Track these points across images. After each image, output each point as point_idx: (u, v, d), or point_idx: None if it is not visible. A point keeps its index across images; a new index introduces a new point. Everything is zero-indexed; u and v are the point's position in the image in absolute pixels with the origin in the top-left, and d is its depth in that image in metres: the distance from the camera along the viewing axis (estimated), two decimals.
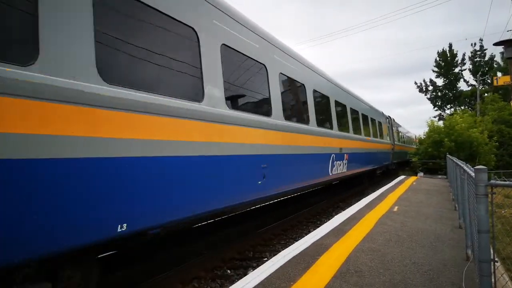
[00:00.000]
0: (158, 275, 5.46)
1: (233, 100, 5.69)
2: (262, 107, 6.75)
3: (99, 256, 4.70)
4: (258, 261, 6.53)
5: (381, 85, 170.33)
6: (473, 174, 3.48)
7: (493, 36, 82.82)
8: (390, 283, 4.35)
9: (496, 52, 46.16)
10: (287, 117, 7.48)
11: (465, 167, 5.30)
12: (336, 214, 9.78)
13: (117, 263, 5.80)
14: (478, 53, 46.76)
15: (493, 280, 2.98)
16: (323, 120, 10.02)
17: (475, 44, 46.96)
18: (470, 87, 47.89)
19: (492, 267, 2.97)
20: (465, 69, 48.60)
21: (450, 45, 48.28)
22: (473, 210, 4.07)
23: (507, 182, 3.00)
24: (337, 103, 11.39)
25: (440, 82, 49.76)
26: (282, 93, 7.32)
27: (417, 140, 40.64)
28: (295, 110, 8.52)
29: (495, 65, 45.26)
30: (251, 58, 6.28)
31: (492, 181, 3.01)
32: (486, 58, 46.37)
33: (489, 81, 44.40)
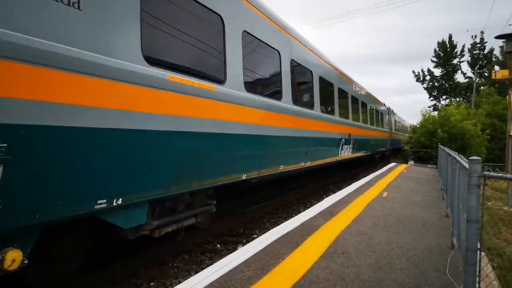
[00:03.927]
0: (148, 248, 5.52)
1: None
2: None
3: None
4: (248, 238, 6.64)
5: (381, 72, 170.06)
6: (466, 164, 3.53)
7: (494, 29, 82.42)
8: (376, 266, 4.45)
9: (496, 46, 46.03)
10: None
11: (458, 158, 5.36)
12: (327, 196, 9.90)
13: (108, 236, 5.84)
14: (478, 45, 46.51)
15: (478, 268, 3.07)
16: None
17: (475, 36, 46.71)
18: (467, 79, 47.86)
19: (478, 256, 3.05)
20: (463, 61, 48.48)
21: (450, 36, 47.93)
22: (462, 200, 4.15)
23: (500, 174, 3.05)
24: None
25: (438, 72, 49.67)
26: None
27: (411, 129, 40.91)
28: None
29: (493, 59, 45.16)
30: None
31: (485, 172, 3.05)
32: (485, 51, 46.21)
33: (486, 74, 44.42)
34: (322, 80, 10.04)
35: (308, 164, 8.85)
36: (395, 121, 30.28)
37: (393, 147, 28.56)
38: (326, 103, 10.67)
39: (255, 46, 6.45)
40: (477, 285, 3.11)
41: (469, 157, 3.41)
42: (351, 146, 13.29)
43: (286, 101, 7.45)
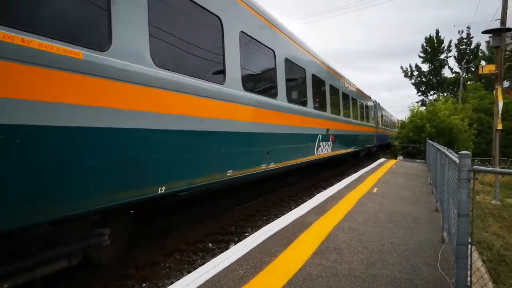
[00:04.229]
0: (139, 248, 5.47)
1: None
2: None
3: None
4: (240, 236, 6.62)
5: (370, 67, 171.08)
6: (456, 159, 3.55)
7: (481, 25, 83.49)
8: (368, 261, 4.47)
9: (482, 41, 46.66)
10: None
11: (447, 152, 5.41)
12: (318, 193, 9.92)
13: None
14: (465, 40, 47.11)
15: (469, 262, 3.09)
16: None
17: (462, 31, 47.27)
18: (454, 74, 48.48)
19: (470, 250, 3.07)
20: (450, 56, 49.05)
21: (437, 31, 48.41)
22: (452, 194, 4.18)
23: (490, 168, 3.07)
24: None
25: (425, 67, 50.19)
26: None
27: (399, 124, 41.29)
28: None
29: (480, 54, 45.79)
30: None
31: (475, 167, 3.07)
32: (472, 46, 46.82)
33: (473, 69, 45.03)
34: (289, 63, 8.45)
35: (272, 166, 7.43)
36: (382, 115, 29.02)
37: (380, 143, 27.58)
38: (296, 92, 9.21)
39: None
40: (468, 278, 3.14)
41: (457, 151, 3.42)
42: (330, 143, 11.85)
43: (233, 86, 5.85)
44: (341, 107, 13.72)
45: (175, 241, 6.00)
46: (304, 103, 9.48)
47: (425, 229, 6.08)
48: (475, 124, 26.31)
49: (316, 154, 10.46)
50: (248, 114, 6.45)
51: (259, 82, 7.36)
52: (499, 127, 11.65)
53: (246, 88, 6.28)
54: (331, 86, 12.26)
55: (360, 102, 18.23)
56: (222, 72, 5.68)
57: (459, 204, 3.13)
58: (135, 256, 5.23)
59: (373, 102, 23.71)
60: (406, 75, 51.76)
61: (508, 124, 25.64)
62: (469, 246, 3.07)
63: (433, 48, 48.61)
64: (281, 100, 7.83)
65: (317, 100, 10.60)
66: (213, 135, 5.30)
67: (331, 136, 11.74)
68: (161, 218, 7.04)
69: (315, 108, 10.19)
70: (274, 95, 7.59)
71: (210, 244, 6.31)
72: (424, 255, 4.77)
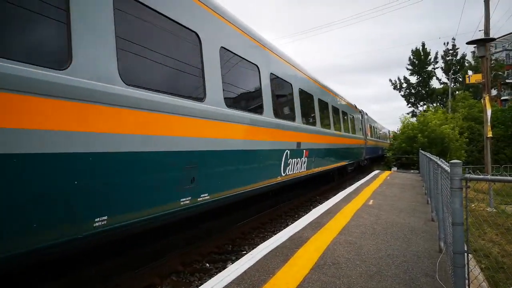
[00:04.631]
0: (136, 270, 5.38)
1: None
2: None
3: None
4: (237, 255, 6.55)
5: (359, 81, 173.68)
6: (447, 168, 3.59)
7: (465, 36, 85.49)
8: (366, 275, 4.44)
9: (468, 51, 47.73)
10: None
11: (439, 162, 5.45)
12: (314, 207, 9.89)
13: (94, 258, 5.67)
14: (451, 52, 48.12)
15: (466, 271, 3.09)
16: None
17: (447, 43, 48.37)
18: (442, 85, 49.27)
19: (466, 258, 3.08)
20: (437, 68, 49.97)
21: (423, 44, 49.45)
22: (446, 203, 4.20)
23: (481, 176, 3.11)
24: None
25: (413, 79, 50.98)
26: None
27: (391, 136, 41.56)
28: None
29: (466, 64, 46.73)
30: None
31: (467, 175, 3.10)
32: (458, 57, 47.80)
33: (460, 79, 45.87)
34: (228, 55, 6.41)
35: (205, 198, 5.41)
36: (371, 126, 27.59)
37: (370, 156, 26.44)
38: (243, 95, 7.09)
39: None
40: (466, 287, 3.13)
41: (450, 160, 3.46)
42: (304, 159, 9.84)
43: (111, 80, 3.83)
44: (318, 117, 11.61)
45: (171, 262, 5.91)
46: (257, 110, 7.45)
47: (422, 240, 6.07)
48: (466, 133, 26.62)
49: (284, 174, 8.50)
50: (160, 126, 4.48)
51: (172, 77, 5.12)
52: (489, 135, 11.80)
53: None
54: (302, 92, 10.10)
55: (343, 111, 16.23)
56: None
57: (453, 212, 3.15)
58: (129, 279, 5.14)
59: (360, 112, 22.47)
60: (395, 88, 52.51)
61: (498, 132, 26.02)
62: (466, 254, 3.08)
63: (420, 60, 49.55)
64: (213, 103, 5.70)
65: (282, 107, 8.86)
66: (104, 159, 3.71)
67: (304, 151, 9.85)
68: (156, 241, 6.96)
69: (277, 117, 8.11)
70: (200, 98, 5.45)
71: (207, 264, 6.23)
72: (422, 265, 4.76)
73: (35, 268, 4.26)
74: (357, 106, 21.24)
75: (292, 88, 9.38)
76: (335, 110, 14.65)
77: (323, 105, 12.56)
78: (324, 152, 12.40)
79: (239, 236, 7.88)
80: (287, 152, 8.51)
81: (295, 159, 9.08)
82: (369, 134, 25.57)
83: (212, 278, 4.45)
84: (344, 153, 16.25)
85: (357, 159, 20.53)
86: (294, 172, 9.06)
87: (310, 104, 11.10)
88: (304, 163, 9.87)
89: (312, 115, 11.21)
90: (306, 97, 10.60)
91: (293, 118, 9.25)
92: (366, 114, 25.11)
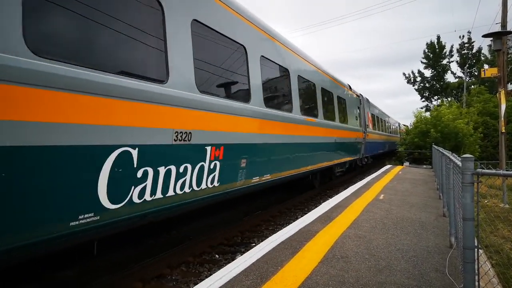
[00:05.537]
0: (146, 260, 5.47)
1: None
2: None
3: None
4: (246, 247, 6.59)
5: (373, 75, 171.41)
6: (459, 163, 3.55)
7: (482, 29, 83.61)
8: (375, 269, 4.43)
9: (484, 45, 46.72)
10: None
11: (451, 157, 5.38)
12: (324, 201, 9.88)
13: (104, 249, 5.78)
14: (466, 45, 47.11)
15: (476, 266, 3.06)
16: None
17: (463, 36, 47.34)
18: (457, 79, 48.41)
19: (476, 254, 3.05)
20: (452, 61, 49.06)
21: (438, 37, 48.50)
22: (458, 199, 4.16)
23: (493, 171, 3.06)
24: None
25: (428, 73, 50.19)
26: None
27: (402, 130, 41.02)
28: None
29: (482, 58, 45.76)
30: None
31: (479, 170, 3.06)
32: (474, 51, 46.82)
33: (475, 73, 44.96)
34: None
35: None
36: (373, 116, 21.93)
37: (372, 153, 20.80)
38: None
39: None
40: (476, 283, 3.10)
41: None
42: (255, 160, 6.77)
43: None
44: (294, 99, 8.62)
45: (181, 253, 5.99)
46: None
47: (433, 235, 6.02)
48: (480, 128, 26.14)
49: (207, 186, 5.43)
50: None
51: None
52: (503, 130, 11.58)
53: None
54: (270, 62, 7.68)
55: (323, 88, 11.30)
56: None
57: (463, 208, 3.12)
58: (141, 269, 5.23)
59: (358, 97, 17.23)
60: (409, 82, 51.77)
61: None
62: (476, 250, 3.05)
63: (435, 54, 48.67)
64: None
65: (216, 79, 5.91)
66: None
67: (255, 149, 6.78)
68: (167, 231, 7.05)
69: (208, 93, 5.37)
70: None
71: (217, 256, 6.29)
72: (432, 261, 4.73)
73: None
74: (353, 89, 16.28)
75: (246, 52, 6.64)
76: (324, 91, 11.12)
77: (305, 83, 9.69)
78: (297, 148, 8.98)
79: (248, 229, 7.93)
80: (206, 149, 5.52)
81: (229, 162, 6.00)
82: (370, 125, 20.23)
83: (221, 269, 4.50)
84: (327, 150, 11.81)
85: (351, 157, 15.80)
86: (241, 180, 6.52)
87: (285, 79, 8.53)
88: (248, 167, 6.55)
89: (283, 95, 8.52)
90: (277, 70, 8.28)
91: (246, 100, 6.53)
92: (367, 100, 19.84)
